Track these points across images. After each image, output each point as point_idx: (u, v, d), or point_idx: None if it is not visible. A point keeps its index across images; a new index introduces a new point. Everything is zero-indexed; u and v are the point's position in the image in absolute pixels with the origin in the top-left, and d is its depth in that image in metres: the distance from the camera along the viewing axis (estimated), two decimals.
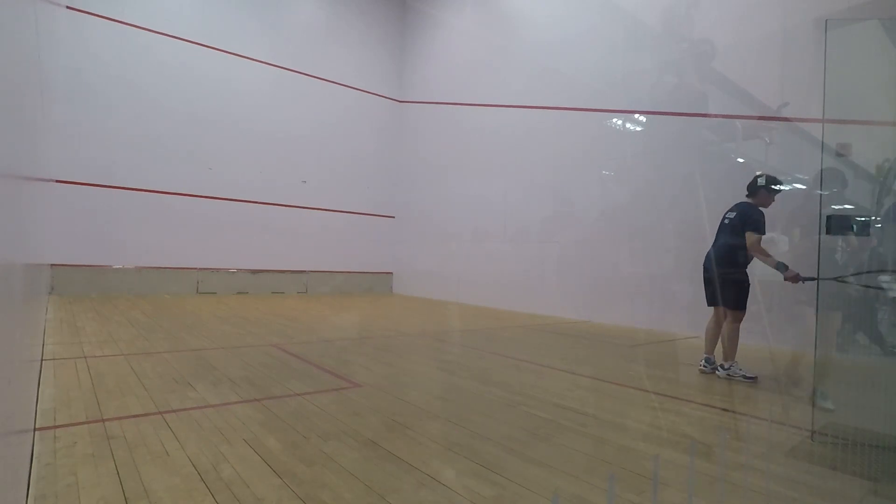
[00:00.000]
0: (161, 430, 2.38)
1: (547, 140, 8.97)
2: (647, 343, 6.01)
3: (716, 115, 6.70)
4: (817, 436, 2.63)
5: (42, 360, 3.68)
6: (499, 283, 9.65)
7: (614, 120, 8.06)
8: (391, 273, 12.71)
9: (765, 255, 3.79)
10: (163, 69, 9.35)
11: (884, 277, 3.15)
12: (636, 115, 7.81)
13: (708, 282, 4.29)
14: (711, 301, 4.30)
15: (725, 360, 4.06)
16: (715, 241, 4.27)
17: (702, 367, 4.26)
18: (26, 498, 1.70)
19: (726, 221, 4.20)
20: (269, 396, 3.03)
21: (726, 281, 4.07)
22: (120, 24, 8.90)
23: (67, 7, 8.26)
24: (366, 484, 1.89)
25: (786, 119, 5.97)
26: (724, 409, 3.19)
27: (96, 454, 2.07)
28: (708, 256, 4.28)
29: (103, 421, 2.47)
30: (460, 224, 10.70)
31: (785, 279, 3.57)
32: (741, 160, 6.64)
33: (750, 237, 3.89)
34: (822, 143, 3.71)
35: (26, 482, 1.79)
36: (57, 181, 8.04)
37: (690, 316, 6.68)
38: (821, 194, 3.51)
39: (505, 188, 9.69)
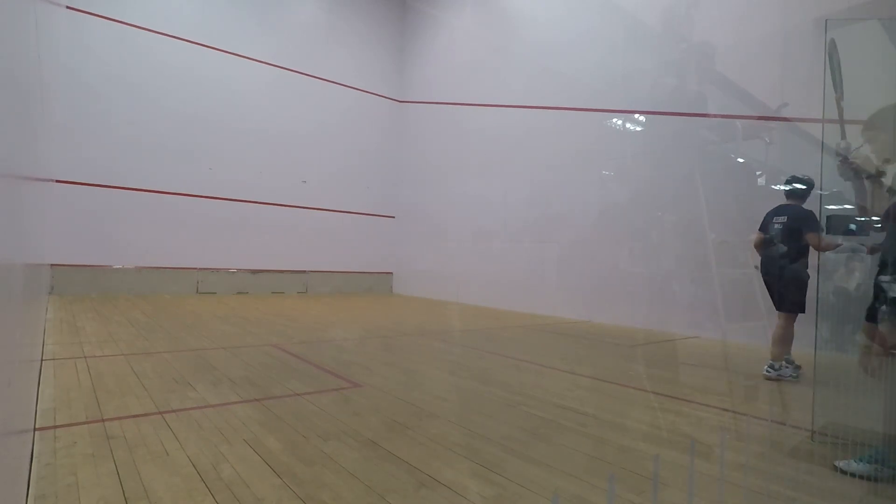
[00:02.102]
0: (161, 430, 2.38)
1: (547, 140, 8.97)
2: (647, 343, 6.01)
3: (716, 115, 6.70)
4: (817, 436, 2.63)
5: (42, 360, 3.68)
6: (499, 283, 9.64)
7: (614, 120, 8.06)
8: (391, 273, 12.71)
9: (835, 245, 3.74)
10: (163, 69, 9.35)
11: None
12: (636, 115, 7.81)
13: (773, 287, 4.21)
14: (780, 306, 4.18)
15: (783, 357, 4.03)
16: (770, 246, 4.17)
17: (792, 375, 4.07)
18: (26, 498, 1.70)
19: (777, 226, 4.12)
20: (269, 396, 3.03)
21: (802, 285, 4.01)
22: (120, 24, 8.89)
23: (67, 7, 8.26)
24: (366, 484, 1.89)
25: (786, 119, 5.97)
26: (724, 409, 3.19)
27: (96, 454, 2.07)
28: (771, 262, 4.18)
29: (103, 421, 2.47)
30: (460, 224, 10.70)
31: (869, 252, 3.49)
32: (741, 160, 6.65)
33: (816, 238, 3.83)
34: (822, 143, 3.71)
35: (26, 482, 1.79)
36: (57, 181, 8.04)
37: (690, 316, 6.69)
38: (821, 194, 3.51)
39: (505, 188, 9.68)
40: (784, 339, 4.03)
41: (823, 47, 2.67)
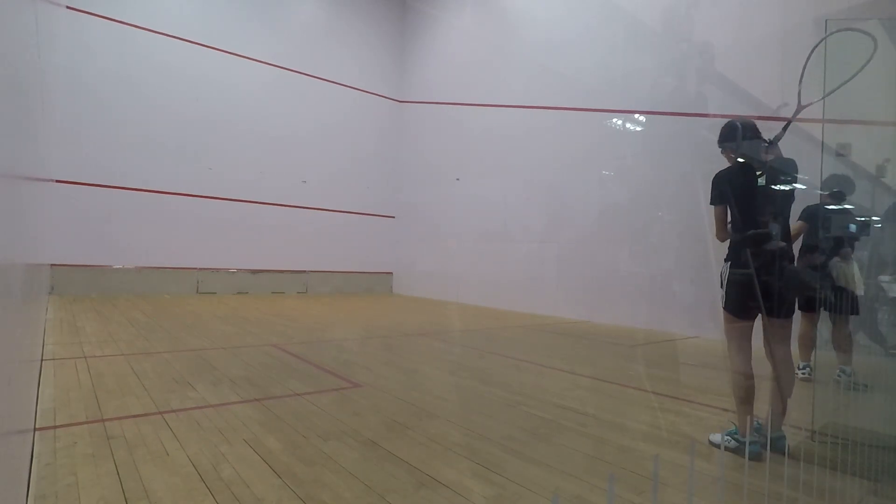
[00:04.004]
0: (161, 430, 2.38)
1: (547, 140, 8.96)
2: (647, 343, 6.01)
3: (716, 115, 6.70)
4: (817, 436, 2.63)
5: (42, 360, 3.68)
6: (499, 283, 9.64)
7: (614, 120, 8.06)
8: (391, 273, 12.71)
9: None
10: (163, 69, 9.35)
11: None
12: (636, 115, 7.80)
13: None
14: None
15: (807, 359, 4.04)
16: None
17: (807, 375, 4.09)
18: (26, 498, 1.70)
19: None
20: (269, 396, 3.03)
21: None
22: (120, 24, 8.89)
23: (67, 7, 8.26)
24: (366, 484, 1.89)
25: (786, 119, 5.96)
26: (724, 410, 3.18)
27: (96, 454, 2.07)
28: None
29: (103, 421, 2.47)
30: (460, 224, 10.69)
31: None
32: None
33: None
34: (823, 142, 3.71)
35: (26, 482, 1.79)
36: (57, 181, 8.04)
37: (690, 316, 6.68)
38: (821, 194, 3.52)
39: (505, 188, 9.68)
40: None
41: (824, 47, 2.67)
